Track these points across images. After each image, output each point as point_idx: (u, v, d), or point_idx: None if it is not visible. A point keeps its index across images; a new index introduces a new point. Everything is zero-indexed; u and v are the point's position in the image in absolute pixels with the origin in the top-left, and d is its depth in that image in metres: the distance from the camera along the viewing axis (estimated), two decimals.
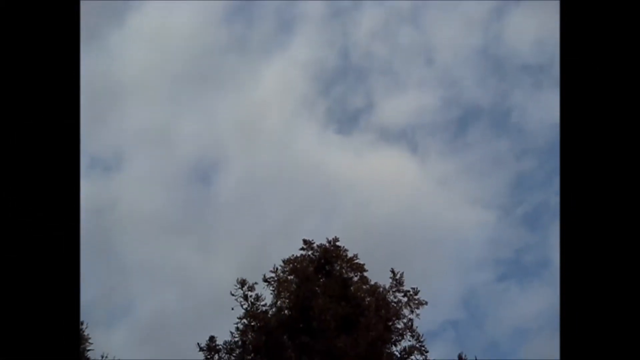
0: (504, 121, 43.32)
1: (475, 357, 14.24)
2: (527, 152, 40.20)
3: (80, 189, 5.88)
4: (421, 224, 39.08)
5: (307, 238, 17.17)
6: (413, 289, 15.74)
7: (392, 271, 16.04)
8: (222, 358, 15.18)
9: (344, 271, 16.58)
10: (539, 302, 34.14)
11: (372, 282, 16.27)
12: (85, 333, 16.67)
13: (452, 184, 42.14)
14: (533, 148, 37.17)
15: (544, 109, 36.63)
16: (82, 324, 16.55)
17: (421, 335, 15.22)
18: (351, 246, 17.00)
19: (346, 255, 16.78)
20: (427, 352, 15.13)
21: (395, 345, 15.39)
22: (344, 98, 44.31)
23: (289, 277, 16.50)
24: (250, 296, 15.91)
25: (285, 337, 15.42)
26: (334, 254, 16.75)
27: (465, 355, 14.42)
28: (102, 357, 18.17)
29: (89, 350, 17.30)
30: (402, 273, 16.00)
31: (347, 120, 47.34)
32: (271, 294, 16.44)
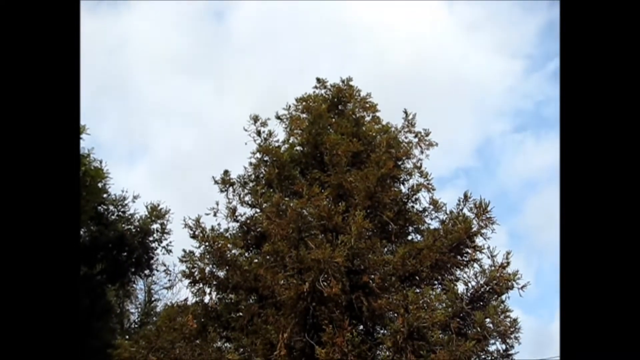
0: None
1: (480, 196, 14.49)
2: None
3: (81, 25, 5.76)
4: (443, 70, 38.11)
5: (320, 77, 17.03)
6: (424, 129, 15.81)
7: (405, 112, 16.03)
8: (236, 190, 15.77)
9: (356, 110, 16.62)
10: (553, 155, 34.37)
11: (385, 123, 16.35)
12: (105, 169, 17.36)
13: (479, 30, 40.30)
14: None
15: None
16: (101, 161, 17.19)
17: (429, 174, 15.51)
18: (367, 88, 16.89)
19: (359, 95, 16.72)
20: (434, 189, 15.47)
21: (404, 184, 15.82)
22: None
23: (301, 115, 16.61)
24: (263, 132, 16.13)
25: (297, 171, 15.87)
26: (347, 93, 16.68)
27: (470, 194, 14.72)
28: (123, 192, 19.11)
29: (109, 186, 18.15)
30: (415, 114, 15.98)
31: None
32: (284, 131, 16.72)
